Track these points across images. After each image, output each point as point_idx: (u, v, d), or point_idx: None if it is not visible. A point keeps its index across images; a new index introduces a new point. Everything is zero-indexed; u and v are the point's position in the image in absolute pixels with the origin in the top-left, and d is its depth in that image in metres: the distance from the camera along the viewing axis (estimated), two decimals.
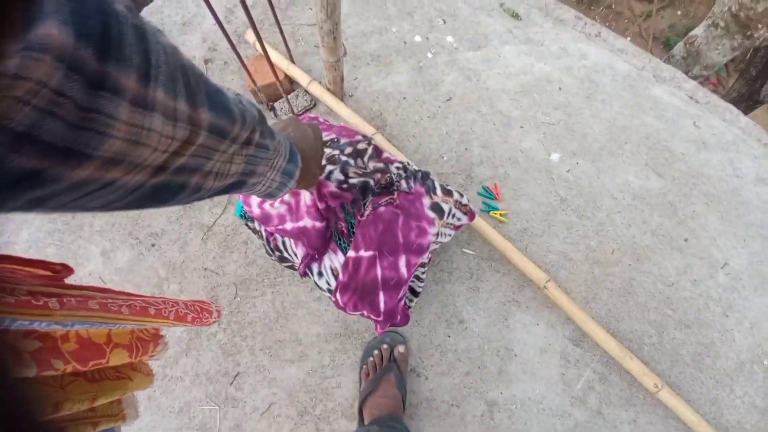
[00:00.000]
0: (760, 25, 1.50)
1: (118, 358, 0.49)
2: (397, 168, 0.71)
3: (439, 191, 0.72)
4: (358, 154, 0.72)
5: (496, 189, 1.06)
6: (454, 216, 0.73)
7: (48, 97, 0.15)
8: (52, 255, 1.02)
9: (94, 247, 1.06)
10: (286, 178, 0.37)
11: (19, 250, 1.04)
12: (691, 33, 1.59)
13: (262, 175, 0.33)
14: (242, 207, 0.76)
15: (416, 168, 0.75)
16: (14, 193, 0.17)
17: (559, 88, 1.20)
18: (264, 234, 0.78)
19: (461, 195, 0.75)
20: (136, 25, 0.18)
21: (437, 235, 0.69)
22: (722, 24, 1.49)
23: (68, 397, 0.43)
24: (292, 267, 0.82)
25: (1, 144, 0.14)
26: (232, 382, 0.92)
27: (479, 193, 1.05)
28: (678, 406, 0.84)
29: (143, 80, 0.18)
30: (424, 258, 0.68)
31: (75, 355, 0.42)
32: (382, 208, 0.65)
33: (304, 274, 0.73)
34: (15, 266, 0.34)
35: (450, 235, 0.76)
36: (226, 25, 1.04)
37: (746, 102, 2.66)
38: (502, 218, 1.02)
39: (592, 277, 0.99)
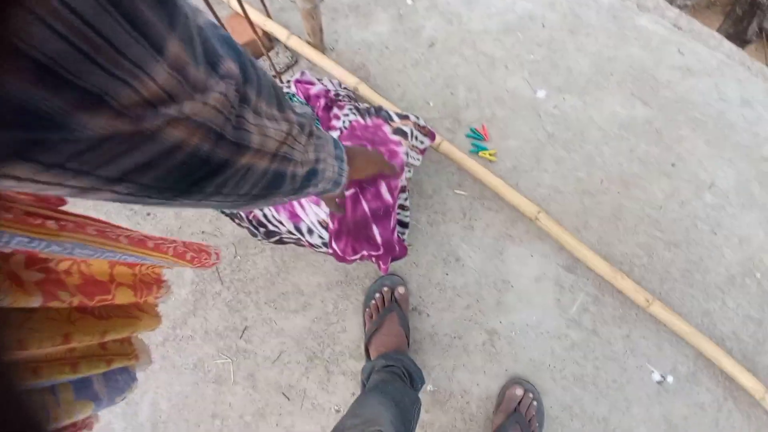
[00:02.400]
0: None
1: (123, 296, 0.50)
2: (350, 109, 0.72)
3: (395, 118, 0.73)
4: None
5: (484, 130, 1.06)
6: (416, 138, 0.75)
7: (228, 108, 0.22)
8: None
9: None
10: (340, 162, 0.44)
11: None
12: None
13: (325, 161, 0.40)
14: None
15: (367, 105, 0.77)
16: (213, 179, 0.25)
17: (543, 25, 1.18)
18: (243, 215, 0.78)
19: (417, 117, 0.77)
20: (250, 59, 0.26)
21: (407, 155, 0.70)
22: None
23: (77, 330, 0.45)
24: (281, 241, 0.83)
25: (210, 140, 0.22)
26: (241, 336, 0.96)
27: (467, 135, 1.06)
28: (670, 318, 0.88)
29: (257, 94, 0.26)
30: (403, 180, 0.69)
31: (80, 288, 0.44)
32: (347, 143, 0.66)
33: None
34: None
35: (418, 159, 0.78)
36: None
37: (734, 42, 2.64)
38: (491, 158, 1.03)
39: (582, 207, 1.01)
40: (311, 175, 0.37)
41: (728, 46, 1.32)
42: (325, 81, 0.94)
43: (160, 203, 0.25)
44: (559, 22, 1.18)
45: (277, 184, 0.32)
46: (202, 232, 1.03)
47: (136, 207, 1.07)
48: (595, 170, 1.03)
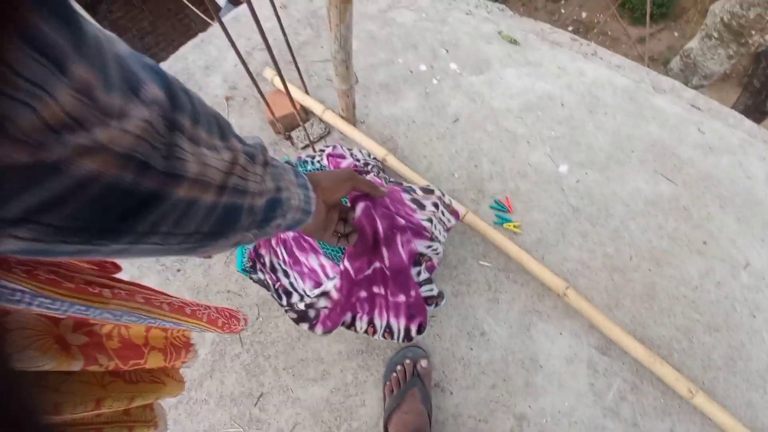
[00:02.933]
0: (753, 32, 1.55)
1: (154, 361, 0.51)
2: (374, 175, 0.75)
3: (418, 191, 0.76)
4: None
5: (508, 202, 1.08)
6: (444, 214, 0.76)
7: (153, 135, 0.21)
8: None
9: (124, 274, 1.10)
10: (305, 190, 0.43)
11: None
12: (687, 46, 1.65)
13: (288, 190, 0.38)
14: (242, 262, 0.80)
15: (388, 177, 0.80)
16: (143, 215, 0.22)
17: (562, 104, 1.24)
18: (270, 282, 0.80)
19: (443, 194, 0.79)
20: (182, 87, 0.25)
21: (431, 221, 0.71)
22: (715, 34, 1.55)
23: (108, 395, 0.45)
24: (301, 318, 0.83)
25: (132, 170, 0.20)
26: (256, 403, 0.92)
27: (491, 207, 1.08)
28: (715, 412, 0.81)
29: (192, 122, 0.25)
30: (426, 247, 0.69)
31: (118, 353, 0.45)
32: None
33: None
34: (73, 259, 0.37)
35: (444, 235, 0.79)
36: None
37: (753, 114, 2.69)
38: (516, 230, 1.04)
39: (613, 283, 0.98)
40: (275, 205, 0.36)
41: (749, 124, 1.35)
42: (355, 151, 1.00)
43: (81, 251, 0.21)
44: (577, 102, 1.25)
45: (232, 219, 0.30)
46: (228, 291, 1.05)
47: (167, 262, 1.11)
48: (623, 246, 1.02)
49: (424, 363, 0.88)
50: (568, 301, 0.92)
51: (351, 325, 0.76)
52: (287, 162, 0.82)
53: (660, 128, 1.20)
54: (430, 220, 0.74)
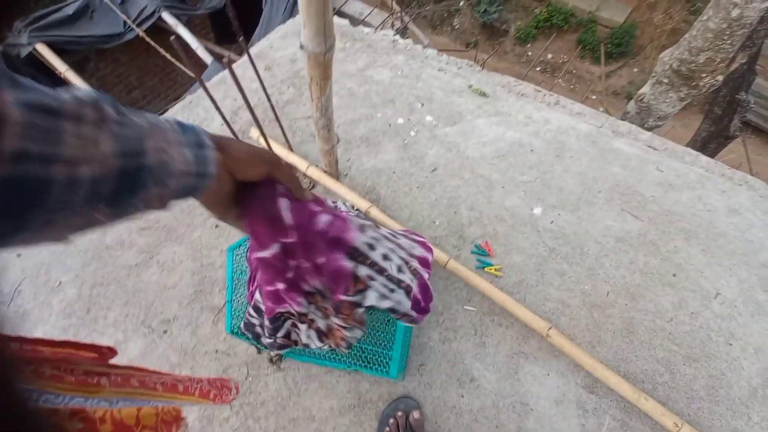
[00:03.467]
0: (704, 74, 1.71)
1: None
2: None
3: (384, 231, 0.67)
4: None
5: (488, 246, 1.13)
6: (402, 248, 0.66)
7: None
8: None
9: (107, 339, 1.09)
10: (198, 149, 0.35)
11: None
12: (640, 92, 1.81)
13: (162, 152, 0.31)
14: (231, 324, 0.80)
15: None
16: None
17: (531, 150, 1.34)
18: (265, 337, 0.79)
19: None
20: None
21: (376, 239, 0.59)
22: (665, 80, 1.70)
23: None
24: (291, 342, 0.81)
25: None
26: None
27: (472, 252, 1.12)
28: None
29: None
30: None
31: None
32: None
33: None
34: (72, 350, 0.39)
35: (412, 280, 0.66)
36: (231, 125, 1.19)
37: (717, 139, 2.86)
38: (497, 273, 1.08)
39: (593, 320, 1.02)
40: (136, 174, 0.29)
41: (705, 160, 1.45)
42: (339, 204, 1.04)
43: None
44: (545, 148, 1.34)
45: (33, 196, 0.23)
46: (216, 350, 1.04)
47: (153, 324, 1.10)
48: (599, 283, 1.07)
49: (416, 414, 0.88)
50: (551, 341, 0.95)
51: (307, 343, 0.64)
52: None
53: (622, 169, 1.29)
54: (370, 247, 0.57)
